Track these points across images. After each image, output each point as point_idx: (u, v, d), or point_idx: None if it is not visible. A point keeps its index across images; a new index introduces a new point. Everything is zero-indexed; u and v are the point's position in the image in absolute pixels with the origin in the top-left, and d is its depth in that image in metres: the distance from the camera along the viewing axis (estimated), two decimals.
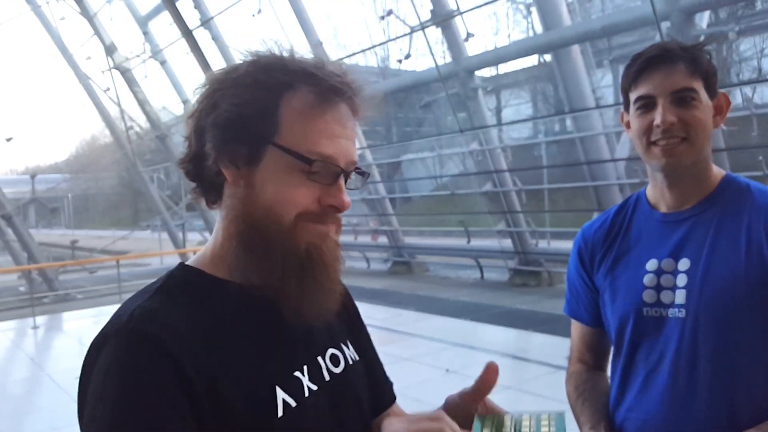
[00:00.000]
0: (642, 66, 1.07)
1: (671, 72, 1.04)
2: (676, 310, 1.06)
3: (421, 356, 5.60)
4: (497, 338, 6.37)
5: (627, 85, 1.10)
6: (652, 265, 1.10)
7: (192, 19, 12.32)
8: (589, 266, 1.22)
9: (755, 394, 1.01)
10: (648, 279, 1.10)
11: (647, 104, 1.07)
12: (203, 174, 0.75)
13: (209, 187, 0.76)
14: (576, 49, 8.23)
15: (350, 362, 0.84)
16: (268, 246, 0.72)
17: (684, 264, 1.06)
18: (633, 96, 1.09)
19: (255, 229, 0.72)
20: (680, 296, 1.05)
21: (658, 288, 1.08)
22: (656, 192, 1.14)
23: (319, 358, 0.80)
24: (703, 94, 1.06)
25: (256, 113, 0.71)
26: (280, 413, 0.71)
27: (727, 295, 1.02)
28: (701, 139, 1.06)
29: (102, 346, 0.71)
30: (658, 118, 1.04)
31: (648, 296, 1.09)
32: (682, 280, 1.06)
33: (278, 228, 0.72)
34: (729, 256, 1.03)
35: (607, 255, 1.18)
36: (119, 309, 0.75)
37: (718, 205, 1.08)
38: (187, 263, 0.78)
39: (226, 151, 0.71)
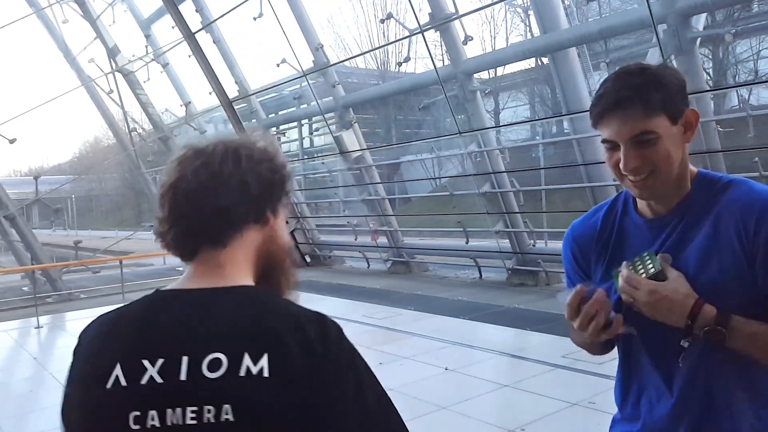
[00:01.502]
0: (600, 113, 1.12)
1: (627, 118, 1.08)
2: None
3: (421, 355, 5.64)
4: (495, 337, 6.40)
5: (593, 124, 1.16)
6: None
7: (194, 22, 12.42)
8: (584, 264, 1.29)
9: (734, 380, 1.12)
10: None
11: (612, 146, 1.13)
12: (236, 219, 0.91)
13: (231, 229, 0.92)
14: (573, 51, 8.29)
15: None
16: (278, 269, 1.01)
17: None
18: (600, 134, 1.15)
19: (275, 260, 0.99)
20: None
21: None
22: (640, 201, 1.22)
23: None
24: (665, 127, 1.09)
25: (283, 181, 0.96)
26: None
27: (705, 289, 1.08)
28: (669, 168, 1.11)
29: (341, 331, 0.95)
30: (621, 162, 1.11)
31: None
32: None
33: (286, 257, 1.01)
34: (707, 256, 1.10)
35: (601, 257, 1.25)
36: (280, 309, 0.97)
37: (692, 207, 1.15)
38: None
39: (271, 204, 0.94)
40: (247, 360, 0.80)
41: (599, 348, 1.30)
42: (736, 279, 1.08)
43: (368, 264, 12.50)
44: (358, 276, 11.52)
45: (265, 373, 0.80)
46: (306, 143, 23.18)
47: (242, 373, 0.79)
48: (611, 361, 4.72)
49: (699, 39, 7.16)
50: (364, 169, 11.54)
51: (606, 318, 1.12)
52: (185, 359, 0.81)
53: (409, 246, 11.77)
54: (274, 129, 14.22)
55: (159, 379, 0.80)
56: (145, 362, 0.82)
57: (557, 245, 10.45)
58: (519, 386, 4.76)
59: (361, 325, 7.11)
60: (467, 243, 10.33)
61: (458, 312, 7.47)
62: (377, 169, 11.77)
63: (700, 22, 7.36)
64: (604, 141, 1.14)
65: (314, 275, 11.85)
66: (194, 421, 0.78)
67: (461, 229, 10.34)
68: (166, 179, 0.91)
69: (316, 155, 20.47)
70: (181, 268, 11.04)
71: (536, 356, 5.46)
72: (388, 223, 11.59)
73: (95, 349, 0.89)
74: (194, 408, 0.78)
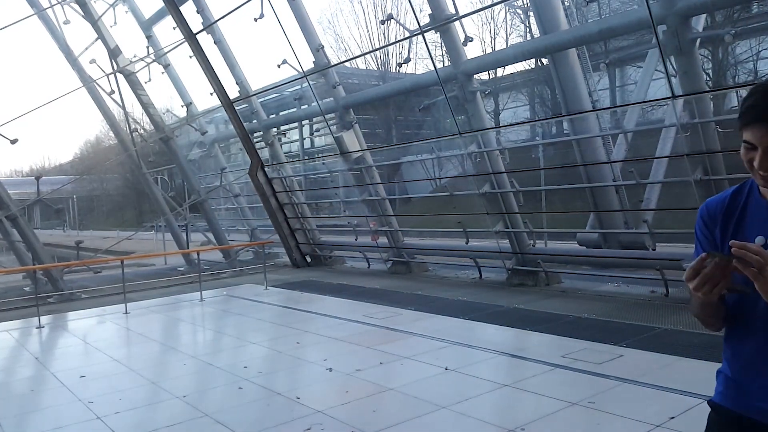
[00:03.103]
0: (747, 122, 1.36)
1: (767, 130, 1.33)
2: None
3: (421, 355, 5.66)
4: (495, 337, 6.41)
5: (739, 127, 1.39)
6: (759, 240, 1.40)
7: (195, 23, 12.46)
8: (711, 231, 1.54)
9: None
10: None
11: (751, 147, 1.37)
12: None
13: None
14: (573, 52, 8.30)
15: None
16: None
17: None
18: (743, 134, 1.38)
19: None
20: None
21: None
22: (763, 189, 1.46)
23: None
24: None
25: None
26: None
27: None
28: None
29: None
30: (756, 162, 1.37)
31: None
32: None
33: None
34: None
35: (725, 230, 1.50)
36: None
37: None
38: None
39: None
40: None
41: (714, 315, 1.50)
42: None
43: (369, 264, 12.52)
44: (358, 276, 11.54)
45: None
46: (306, 144, 23.22)
47: None
48: (610, 362, 4.78)
49: (699, 40, 7.16)
50: (365, 170, 11.56)
51: (721, 282, 1.32)
52: None
53: (410, 246, 11.79)
54: (274, 130, 14.25)
55: None
56: None
57: (557, 245, 10.48)
58: (519, 386, 4.78)
59: (362, 324, 7.13)
60: (467, 243, 10.35)
61: (458, 312, 7.49)
62: (378, 169, 11.78)
63: (699, 23, 7.38)
64: (745, 141, 1.37)
65: (315, 275, 11.87)
66: None
67: (461, 230, 10.36)
68: None
69: (316, 156, 20.51)
70: (182, 269, 11.13)
71: (536, 356, 5.47)
72: (388, 224, 11.61)
73: None
74: None
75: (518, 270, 9.42)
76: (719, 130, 7.33)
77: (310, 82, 11.70)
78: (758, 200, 1.47)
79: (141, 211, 33.44)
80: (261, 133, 13.82)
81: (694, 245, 1.62)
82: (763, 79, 12.96)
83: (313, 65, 11.42)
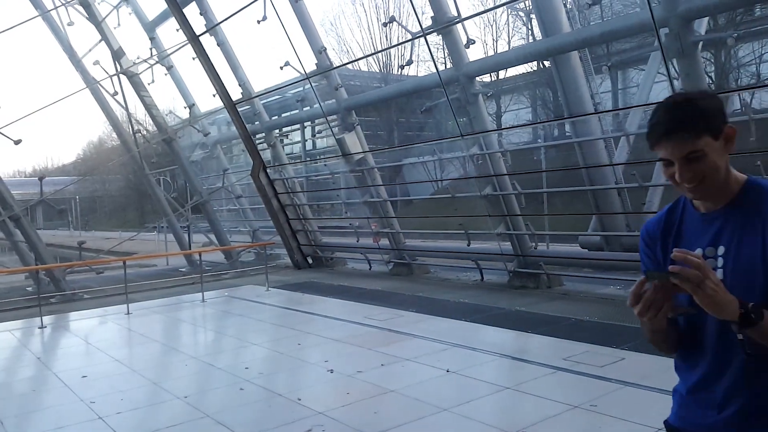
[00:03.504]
0: (656, 140, 1.39)
1: (678, 142, 1.35)
2: None
3: (422, 357, 5.65)
4: (497, 339, 6.40)
5: (650, 147, 1.42)
6: (698, 252, 1.38)
7: (198, 25, 12.49)
8: (653, 251, 1.55)
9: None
10: None
11: (668, 163, 1.39)
12: None
13: None
14: (575, 55, 8.29)
15: None
16: None
17: (721, 250, 1.39)
18: (657, 152, 1.40)
19: None
20: (719, 274, 1.37)
21: None
22: (695, 200, 1.49)
23: None
24: (709, 144, 1.35)
25: None
26: None
27: (747, 274, 1.34)
28: (715, 175, 1.37)
29: None
30: (677, 175, 1.38)
31: None
32: (720, 262, 1.39)
33: None
34: (749, 244, 1.35)
35: (665, 247, 1.50)
36: None
37: (742, 204, 1.40)
38: None
39: None
40: None
41: (666, 340, 1.49)
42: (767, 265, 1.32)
43: (370, 266, 12.52)
44: (359, 277, 11.54)
45: None
46: (309, 145, 23.23)
47: None
48: (611, 365, 4.78)
49: (701, 43, 7.15)
50: (367, 171, 11.57)
51: (665, 305, 1.31)
52: None
53: (411, 248, 11.78)
54: (277, 131, 14.27)
55: None
56: None
57: (558, 248, 10.47)
58: (520, 389, 4.77)
59: (363, 326, 7.13)
60: (469, 245, 10.34)
61: (460, 314, 7.49)
62: (379, 171, 11.79)
63: (702, 25, 7.37)
64: (661, 159, 1.39)
65: (316, 276, 11.88)
66: None
67: (463, 232, 10.35)
68: None
69: (318, 157, 20.54)
70: (184, 269, 11.13)
71: (537, 359, 5.47)
72: (389, 225, 11.61)
73: None
74: None
75: (520, 272, 9.41)
76: None
77: (313, 84, 11.72)
78: (693, 213, 1.49)
79: (143, 211, 33.51)
80: (263, 134, 13.85)
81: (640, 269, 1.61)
82: (766, 81, 12.95)
83: (315, 67, 11.44)
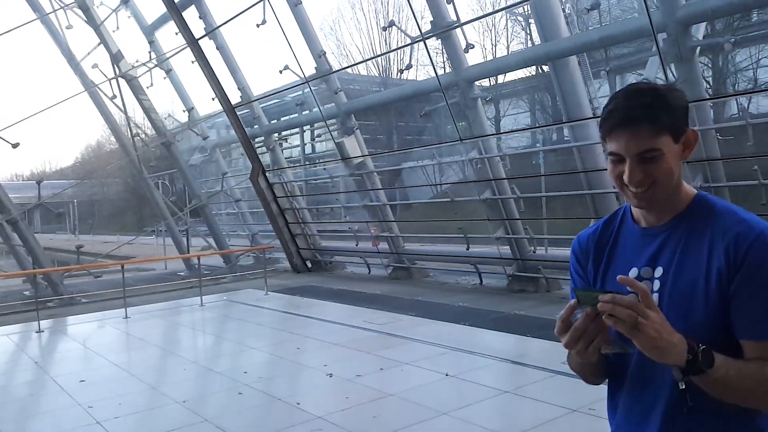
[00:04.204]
0: (610, 128, 1.18)
1: (636, 136, 1.15)
2: None
3: (421, 361, 5.65)
4: (496, 343, 6.41)
5: (601, 137, 1.22)
6: (633, 272, 1.23)
7: (197, 28, 12.51)
8: (584, 267, 1.37)
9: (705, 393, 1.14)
10: None
11: (618, 159, 1.19)
12: None
13: None
14: (574, 60, 8.32)
15: None
16: None
17: (658, 272, 1.21)
18: (607, 147, 1.21)
19: None
20: (654, 299, 1.17)
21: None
22: (636, 210, 1.30)
23: None
24: (668, 145, 1.17)
25: None
26: None
27: (686, 300, 1.16)
28: (668, 182, 1.19)
29: None
30: (626, 175, 1.18)
31: None
32: (656, 285, 1.20)
33: None
34: (692, 268, 1.17)
35: (597, 263, 1.33)
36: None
37: (688, 222, 1.22)
38: None
39: None
40: None
41: (594, 373, 1.33)
42: (710, 296, 1.14)
43: (369, 269, 12.51)
44: (359, 281, 11.54)
45: None
46: (308, 149, 23.22)
47: None
48: None
49: (699, 48, 7.17)
50: (366, 175, 11.58)
51: (598, 338, 1.11)
52: None
53: (410, 252, 11.79)
54: (276, 135, 14.28)
55: None
56: None
57: (557, 252, 10.48)
58: (519, 392, 4.77)
59: (362, 330, 7.13)
60: (468, 249, 10.35)
61: (459, 318, 7.49)
62: (378, 175, 11.80)
63: (699, 31, 7.39)
64: (610, 153, 1.20)
65: (315, 280, 11.87)
66: None
67: (462, 236, 10.36)
68: None
69: (318, 161, 20.53)
70: (182, 273, 11.12)
71: (536, 362, 5.47)
72: (389, 229, 11.62)
73: None
74: None
75: (519, 276, 9.41)
76: (719, 137, 7.34)
77: (312, 88, 11.74)
78: (631, 227, 1.30)
79: (142, 215, 33.47)
80: (262, 138, 13.86)
81: (570, 287, 1.43)
82: (763, 86, 13.00)
83: (314, 71, 11.46)
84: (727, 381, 1.09)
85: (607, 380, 1.35)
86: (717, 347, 1.11)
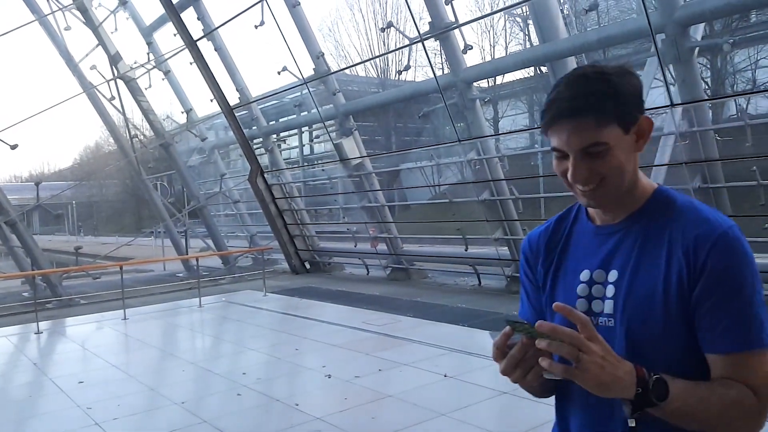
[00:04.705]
0: (550, 121, 1.06)
1: (579, 128, 1.03)
2: (606, 319, 1.09)
3: (420, 362, 5.65)
4: None
5: (542, 131, 1.11)
6: (585, 275, 1.14)
7: (195, 30, 12.52)
8: (533, 269, 1.26)
9: None
10: (581, 289, 1.14)
11: (562, 155, 1.08)
12: None
13: None
14: (572, 60, 8.33)
15: None
16: None
17: (612, 275, 1.10)
18: (550, 141, 1.09)
19: None
20: (608, 306, 1.09)
21: (590, 298, 1.12)
22: (590, 209, 1.19)
23: None
24: (616, 137, 1.04)
25: None
26: None
27: (643, 309, 1.05)
28: (618, 179, 1.07)
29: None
30: (570, 172, 1.07)
31: (580, 305, 1.12)
32: (610, 290, 1.10)
33: None
34: (649, 272, 1.07)
35: (548, 263, 1.22)
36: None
37: (646, 219, 1.11)
38: None
39: None
40: None
41: (538, 390, 1.20)
42: (670, 304, 1.04)
43: (368, 271, 12.51)
44: (357, 283, 11.54)
45: None
46: (306, 150, 23.24)
47: None
48: None
49: (697, 48, 7.20)
50: (364, 176, 11.58)
51: (537, 366, 0.99)
52: None
53: (409, 253, 11.79)
54: (274, 136, 14.28)
55: None
56: None
57: None
58: (518, 393, 4.74)
59: (361, 331, 7.12)
60: (466, 250, 10.35)
61: (457, 319, 7.49)
62: (377, 176, 11.80)
63: (698, 31, 7.41)
64: (553, 149, 1.09)
65: (314, 282, 11.86)
66: None
67: (460, 237, 10.36)
68: None
69: (316, 162, 20.54)
70: (181, 275, 11.11)
71: None
72: (387, 230, 11.62)
73: None
74: None
75: (517, 277, 9.39)
76: (718, 138, 7.35)
77: (310, 89, 11.74)
78: (585, 225, 1.19)
79: (140, 216, 33.48)
80: (261, 139, 13.86)
81: (520, 294, 1.32)
82: (762, 87, 13.02)
83: (313, 72, 11.47)
84: (686, 410, 0.98)
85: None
86: (680, 363, 1.02)
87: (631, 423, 0.99)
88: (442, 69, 10.83)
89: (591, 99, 1.03)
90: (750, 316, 1.01)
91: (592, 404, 1.10)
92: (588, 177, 1.06)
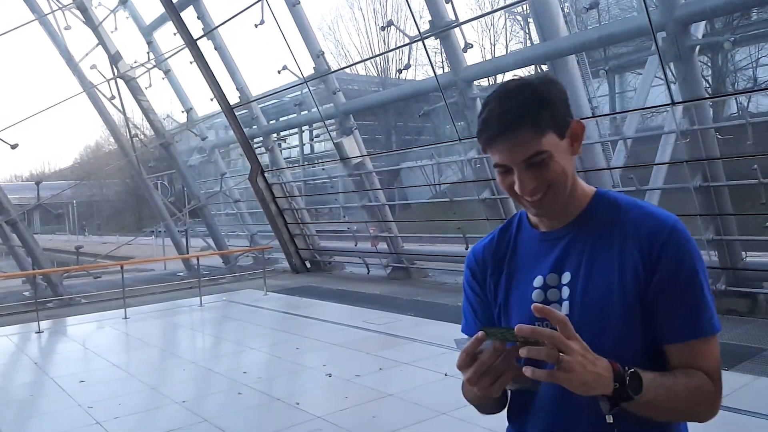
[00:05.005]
0: (488, 140, 1.08)
1: (517, 142, 1.05)
2: None
3: (420, 361, 5.65)
4: None
5: (482, 149, 1.12)
6: (538, 281, 1.14)
7: (195, 29, 12.51)
8: (481, 284, 1.26)
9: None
10: (536, 295, 1.14)
11: (505, 170, 1.10)
12: None
13: None
14: (573, 59, 8.33)
15: None
16: None
17: (566, 277, 1.12)
18: (491, 158, 1.11)
19: None
20: (565, 308, 1.10)
21: (546, 302, 1.12)
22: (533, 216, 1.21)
23: None
24: (554, 143, 1.07)
25: None
26: None
27: (601, 306, 1.07)
28: (564, 183, 1.09)
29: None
30: (516, 186, 1.08)
31: None
32: (565, 292, 1.11)
33: None
34: (603, 270, 1.09)
35: (497, 275, 1.22)
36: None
37: (592, 222, 1.13)
38: None
39: None
40: None
41: (493, 406, 1.22)
42: (627, 299, 1.06)
43: (368, 270, 12.51)
44: (358, 282, 11.54)
45: None
46: (306, 149, 23.24)
47: None
48: None
49: (698, 47, 7.18)
50: (365, 175, 11.58)
51: (505, 374, 0.99)
52: None
53: (409, 252, 11.78)
54: (274, 135, 14.28)
55: None
56: None
57: None
58: None
59: (361, 330, 7.12)
60: (467, 249, 10.32)
61: (458, 318, 7.41)
62: (377, 175, 11.80)
63: (699, 29, 7.40)
64: (496, 165, 1.11)
65: (314, 281, 11.87)
66: None
67: (461, 236, 10.35)
68: None
69: (316, 161, 20.55)
70: (181, 274, 11.11)
71: None
72: (388, 229, 11.61)
73: None
74: None
75: None
76: (719, 136, 7.34)
77: (311, 88, 11.74)
78: (530, 232, 1.21)
79: (141, 216, 33.49)
80: (261, 138, 13.85)
81: (462, 309, 1.31)
82: (762, 85, 13.01)
83: (313, 71, 11.46)
84: (656, 402, 1.00)
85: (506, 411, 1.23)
86: (639, 357, 1.04)
87: (609, 419, 1.00)
88: (443, 68, 10.84)
89: (524, 110, 1.05)
90: (703, 303, 1.06)
91: (552, 411, 1.11)
92: (536, 187, 1.08)
